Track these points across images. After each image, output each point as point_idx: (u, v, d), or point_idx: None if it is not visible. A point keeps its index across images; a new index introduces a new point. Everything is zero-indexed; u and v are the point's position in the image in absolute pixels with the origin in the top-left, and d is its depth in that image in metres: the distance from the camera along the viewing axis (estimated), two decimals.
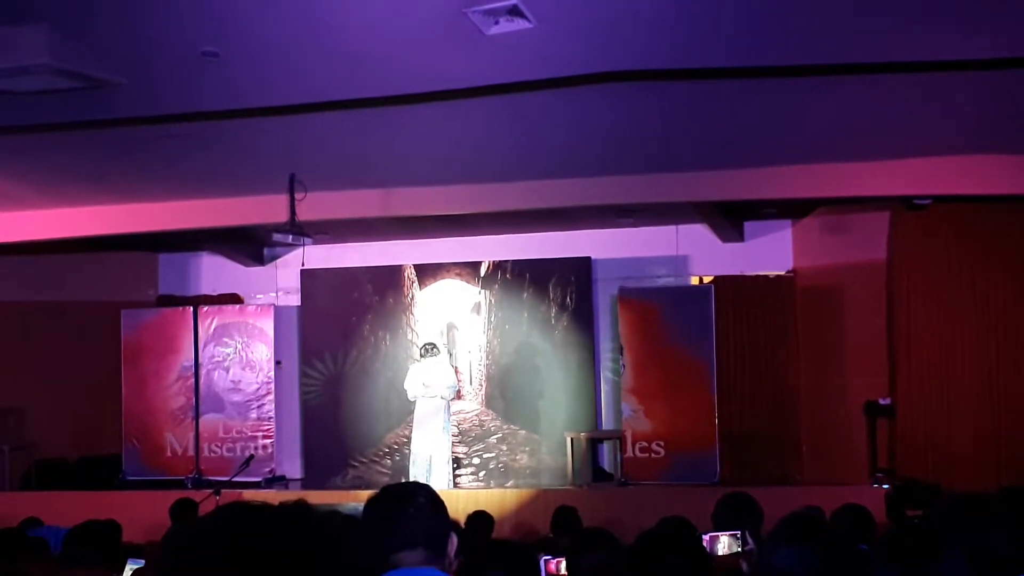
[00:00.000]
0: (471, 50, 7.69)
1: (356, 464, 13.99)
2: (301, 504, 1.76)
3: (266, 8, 7.06)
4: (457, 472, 14.01)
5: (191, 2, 6.97)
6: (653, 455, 12.92)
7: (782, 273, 14.09)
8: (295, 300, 15.02)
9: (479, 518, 8.67)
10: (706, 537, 5.44)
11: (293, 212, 11.29)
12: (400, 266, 14.52)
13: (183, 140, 10.39)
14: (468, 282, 14.29)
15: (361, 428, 13.70)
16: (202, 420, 14.28)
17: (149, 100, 8.85)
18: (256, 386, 14.29)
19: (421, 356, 12.94)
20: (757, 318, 13.95)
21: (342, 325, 14.46)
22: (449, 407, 13.03)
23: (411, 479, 12.15)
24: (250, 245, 15.21)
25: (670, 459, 12.84)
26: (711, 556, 5.28)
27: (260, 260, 15.61)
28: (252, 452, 13.40)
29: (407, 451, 13.01)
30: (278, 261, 15.53)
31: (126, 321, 14.55)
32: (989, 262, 12.52)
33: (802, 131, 10.34)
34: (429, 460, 12.69)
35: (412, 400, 12.84)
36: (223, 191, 12.28)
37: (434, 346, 13.04)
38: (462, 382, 14.17)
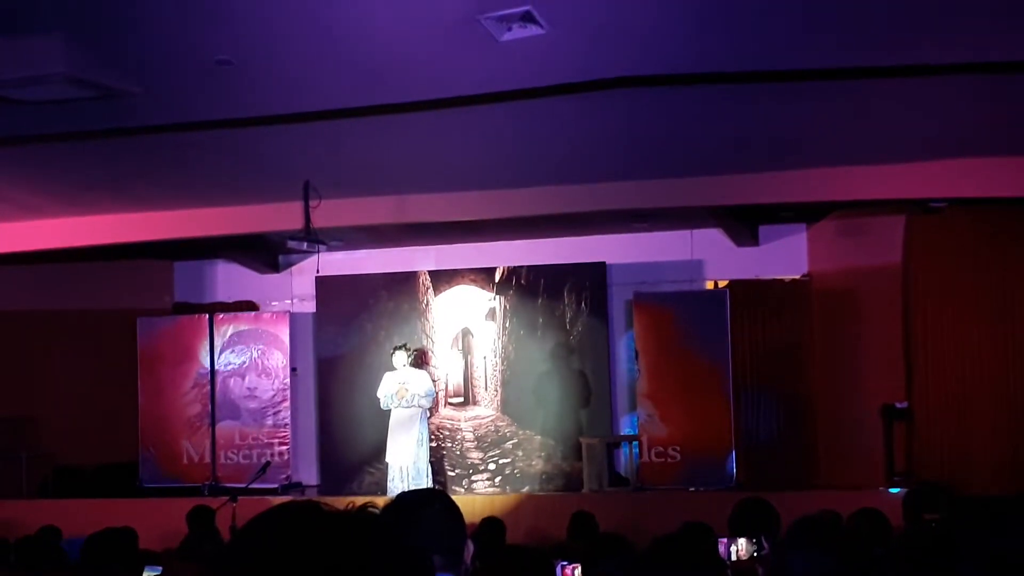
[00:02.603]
0: (484, 57, 7.71)
1: (372, 471, 13.99)
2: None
3: (280, 16, 7.08)
4: (473, 478, 14.02)
5: (205, 11, 7.00)
6: (669, 460, 12.90)
7: (797, 277, 14.05)
8: (310, 307, 15.03)
9: (491, 524, 8.66)
10: (723, 542, 5.44)
11: (308, 219, 11.31)
12: (415, 272, 14.52)
13: (198, 148, 10.42)
14: (483, 288, 14.28)
15: (377, 434, 13.69)
16: (218, 427, 14.30)
17: (164, 108, 8.89)
18: (272, 393, 14.31)
19: (392, 353, 12.95)
20: (772, 322, 13.91)
21: (357, 331, 14.47)
22: (426, 417, 12.98)
23: (389, 494, 12.10)
24: (265, 252, 15.24)
25: (686, 464, 12.81)
26: (728, 561, 5.28)
27: (275, 267, 15.63)
28: (268, 459, 13.41)
29: (386, 462, 12.96)
30: (293, 268, 15.55)
31: (142, 329, 14.58)
32: (1006, 264, 12.47)
33: (816, 135, 10.33)
34: (402, 471, 12.61)
35: (385, 409, 12.81)
36: (238, 199, 12.30)
37: (405, 345, 13.07)
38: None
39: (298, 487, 14.28)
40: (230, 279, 15.80)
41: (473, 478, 14.02)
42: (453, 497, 3.62)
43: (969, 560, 3.38)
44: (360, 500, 1.74)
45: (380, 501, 3.54)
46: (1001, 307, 12.47)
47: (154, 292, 15.65)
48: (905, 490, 11.05)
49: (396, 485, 12.42)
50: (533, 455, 13.93)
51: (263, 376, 14.35)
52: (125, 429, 14.44)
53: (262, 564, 1.60)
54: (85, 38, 7.34)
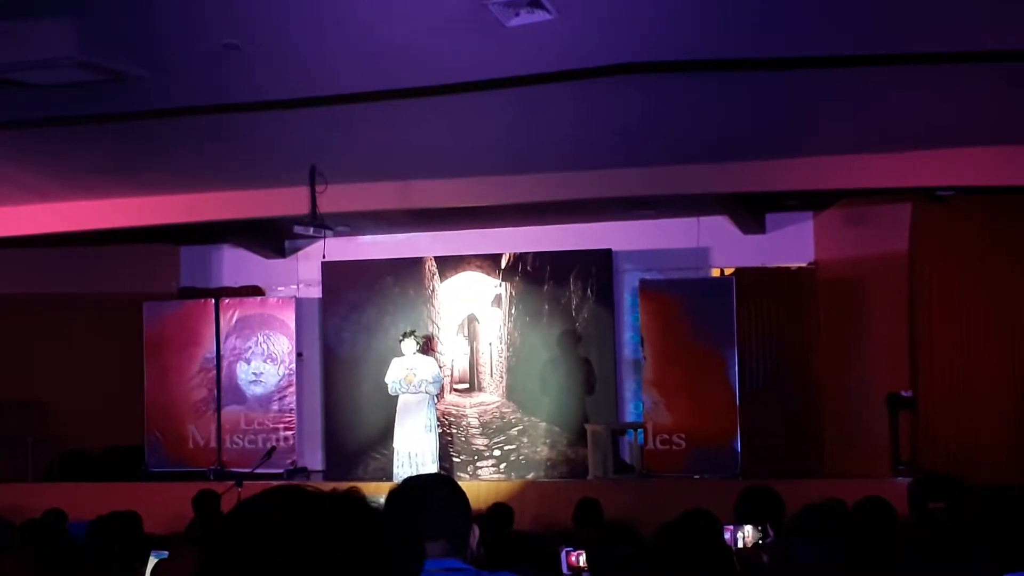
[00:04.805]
0: (491, 42, 7.70)
1: (377, 456, 14.00)
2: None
3: (287, 1, 7.07)
4: (478, 464, 14.03)
5: None
6: (674, 447, 12.91)
7: (803, 265, 14.04)
8: (316, 292, 15.03)
9: (500, 510, 8.68)
10: (728, 529, 5.44)
11: (314, 204, 11.31)
12: (421, 258, 14.51)
13: (204, 132, 10.42)
14: (489, 274, 14.28)
15: (382, 420, 13.71)
16: (224, 412, 14.32)
17: (171, 93, 8.89)
18: (278, 378, 14.32)
19: (400, 340, 12.94)
20: (778, 310, 13.90)
21: (363, 317, 14.47)
22: (433, 403, 12.95)
23: (395, 479, 12.09)
24: (271, 237, 15.24)
25: (691, 451, 12.82)
26: (733, 548, 5.28)
27: (281, 252, 15.63)
28: (274, 444, 13.42)
29: (392, 448, 12.93)
30: (299, 253, 15.55)
31: (148, 313, 14.59)
32: (1012, 254, 12.45)
33: (824, 122, 10.31)
34: (409, 458, 12.58)
35: (393, 395, 12.79)
36: (244, 183, 12.31)
37: (413, 332, 13.07)
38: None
39: (303, 472, 14.30)
40: (236, 264, 15.81)
41: (478, 464, 14.04)
42: (458, 483, 3.62)
43: (975, 549, 3.38)
44: (347, 486, 1.75)
45: (384, 487, 3.55)
46: (1007, 296, 12.45)
47: (160, 277, 15.66)
48: (910, 479, 11.09)
49: (403, 470, 12.43)
50: (538, 442, 13.94)
51: (269, 361, 14.37)
52: (131, 413, 14.46)
53: (249, 549, 1.61)
54: (93, 22, 7.34)
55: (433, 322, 14.32)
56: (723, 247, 14.23)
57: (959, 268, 12.59)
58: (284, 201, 12.16)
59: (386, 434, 13.22)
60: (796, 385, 13.75)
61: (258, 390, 14.34)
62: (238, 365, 14.42)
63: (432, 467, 12.54)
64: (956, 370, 12.51)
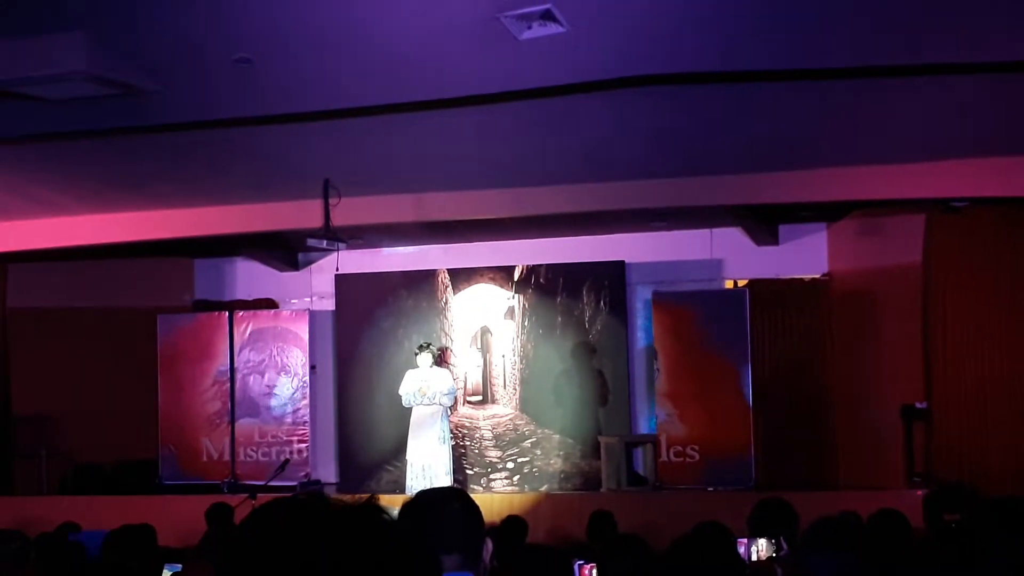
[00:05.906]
0: (504, 55, 7.71)
1: (391, 468, 14.00)
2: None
3: (300, 14, 7.10)
4: (491, 476, 14.02)
5: (225, 9, 7.02)
6: (688, 460, 12.87)
7: (817, 276, 14.01)
8: (330, 305, 15.05)
9: (513, 523, 8.66)
10: (742, 542, 5.43)
11: (327, 217, 11.32)
12: (434, 271, 14.53)
13: (218, 146, 10.45)
14: (502, 286, 14.28)
15: (396, 432, 13.70)
16: (238, 425, 14.32)
17: (184, 106, 8.91)
18: (291, 391, 14.33)
19: (416, 353, 12.95)
20: (792, 322, 13.87)
21: (377, 329, 14.48)
22: (447, 415, 12.95)
23: (408, 491, 12.09)
24: (285, 250, 15.26)
25: (705, 464, 12.78)
26: (747, 562, 5.27)
27: (295, 265, 15.65)
28: (287, 456, 13.43)
29: (406, 460, 12.93)
30: (313, 266, 15.57)
31: (162, 326, 14.60)
32: None
33: (837, 133, 10.30)
34: (423, 470, 12.57)
35: (407, 406, 12.80)
36: (258, 197, 12.33)
37: (429, 345, 13.08)
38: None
39: (317, 485, 14.28)
40: (250, 277, 15.83)
41: (491, 477, 14.02)
42: (471, 496, 3.61)
43: (991, 561, 3.36)
44: (385, 499, 1.75)
45: (398, 499, 3.54)
46: (1021, 307, 12.39)
47: (174, 290, 15.69)
48: (925, 490, 11.04)
49: (416, 483, 12.42)
50: (551, 454, 13.92)
51: (282, 374, 14.37)
52: (145, 426, 14.47)
53: (263, 561, 1.60)
54: (105, 37, 7.38)
55: (446, 334, 14.32)
56: (736, 259, 14.21)
57: (973, 279, 12.54)
58: (298, 214, 12.18)
59: (400, 446, 13.21)
60: (810, 397, 13.71)
61: (272, 403, 14.35)
62: (252, 378, 14.42)
63: (445, 479, 12.53)
64: (971, 381, 12.46)
